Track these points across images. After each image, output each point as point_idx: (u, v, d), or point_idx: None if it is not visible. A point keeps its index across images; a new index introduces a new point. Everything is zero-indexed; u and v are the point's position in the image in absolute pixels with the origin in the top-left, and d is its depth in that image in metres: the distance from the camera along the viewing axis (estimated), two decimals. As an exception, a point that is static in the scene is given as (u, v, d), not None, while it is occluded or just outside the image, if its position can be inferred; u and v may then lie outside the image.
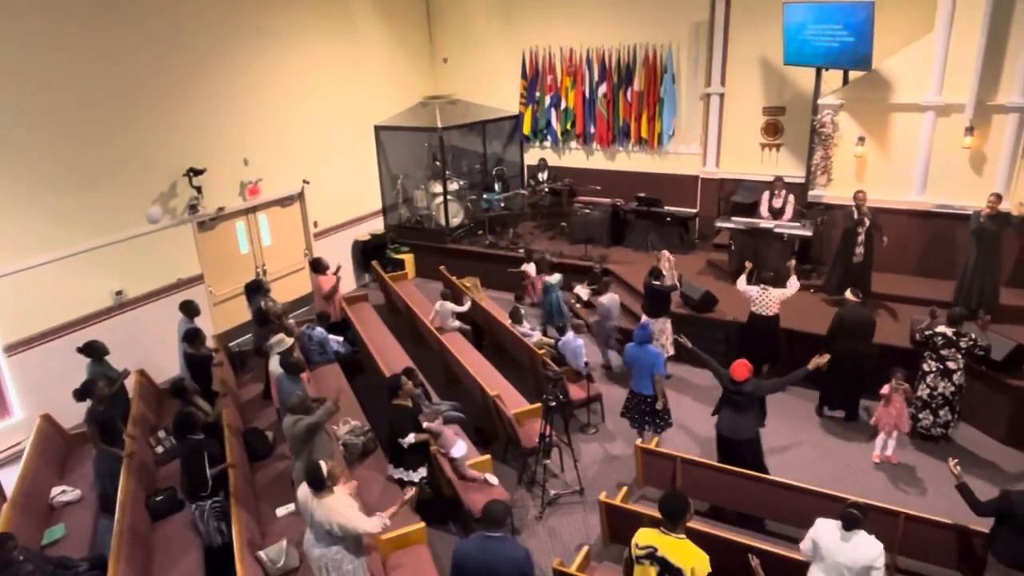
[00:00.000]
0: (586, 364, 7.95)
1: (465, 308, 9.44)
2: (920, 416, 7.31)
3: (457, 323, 9.40)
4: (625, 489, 6.28)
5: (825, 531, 4.56)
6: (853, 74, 9.61)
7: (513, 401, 7.60)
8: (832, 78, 9.86)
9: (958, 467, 5.32)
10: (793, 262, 8.60)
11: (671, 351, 8.60)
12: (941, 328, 7.07)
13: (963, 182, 9.09)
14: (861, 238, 8.74)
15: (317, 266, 9.37)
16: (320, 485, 4.65)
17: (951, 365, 7.03)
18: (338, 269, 9.36)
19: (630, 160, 12.59)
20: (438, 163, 12.43)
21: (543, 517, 6.60)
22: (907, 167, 9.42)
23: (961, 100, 8.86)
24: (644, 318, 8.67)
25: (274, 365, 7.01)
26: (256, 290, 8.59)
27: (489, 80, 13.30)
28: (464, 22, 13.31)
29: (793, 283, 7.98)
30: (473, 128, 12.98)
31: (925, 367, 7.21)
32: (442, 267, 11.15)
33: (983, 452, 7.32)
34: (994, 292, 8.27)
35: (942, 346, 7.03)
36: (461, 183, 12.92)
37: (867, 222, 8.64)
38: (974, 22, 8.53)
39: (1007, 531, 4.95)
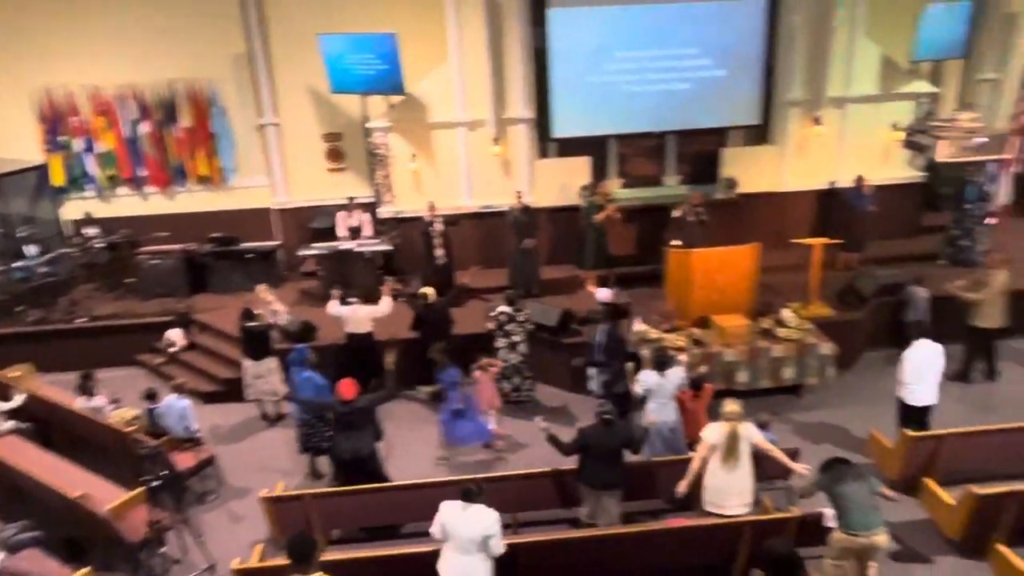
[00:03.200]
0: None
1: (17, 404, 7.70)
2: (502, 385, 8.42)
3: (10, 424, 7.62)
4: (260, 547, 5.88)
5: (448, 511, 4.96)
6: (394, 98, 10.52)
7: (107, 495, 6.46)
8: (378, 102, 10.66)
9: (544, 422, 6.28)
10: (387, 284, 8.98)
11: (284, 390, 8.38)
12: (501, 308, 8.26)
13: (498, 184, 10.69)
14: (438, 241, 9.71)
15: None
16: None
17: (516, 338, 8.30)
18: None
19: (195, 200, 11.76)
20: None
21: (173, 613, 5.81)
22: (454, 176, 10.71)
23: (483, 116, 10.40)
24: (246, 362, 8.26)
25: None
26: None
27: (-7, 128, 11.03)
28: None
29: (386, 302, 8.45)
30: (-18, 187, 10.61)
31: (496, 344, 8.37)
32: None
33: (559, 403, 8.78)
34: (536, 271, 10.03)
35: (506, 323, 8.23)
36: (-21, 254, 10.46)
37: (440, 228, 9.66)
38: (479, 51, 10.08)
39: (588, 461, 6.01)
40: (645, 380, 6.79)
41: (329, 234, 10.57)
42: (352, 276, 9.83)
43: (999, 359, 8.65)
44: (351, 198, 10.54)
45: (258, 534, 6.51)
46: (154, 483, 5.75)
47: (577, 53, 10.38)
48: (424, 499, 5.99)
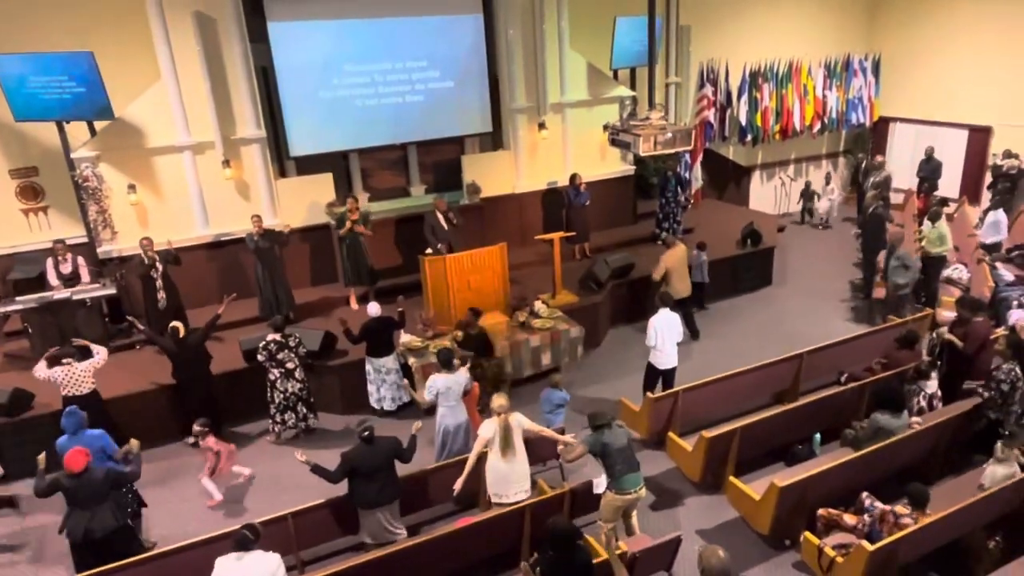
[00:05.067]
0: None
1: None
2: (285, 418, 8.03)
3: None
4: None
5: (224, 569, 4.55)
6: (100, 124, 9.36)
7: None
8: (80, 130, 9.41)
9: (303, 455, 6.02)
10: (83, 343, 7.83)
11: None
12: (271, 336, 7.80)
13: (236, 209, 9.98)
14: (159, 283, 8.87)
15: None
16: None
17: (290, 366, 7.88)
18: None
19: None
20: None
21: None
22: (185, 205, 9.79)
23: (210, 138, 9.63)
24: None
25: None
26: None
27: None
28: None
29: (98, 349, 7.46)
30: None
31: (271, 376, 7.90)
32: None
33: (333, 427, 8.49)
34: (288, 296, 9.58)
35: (277, 352, 7.78)
36: None
37: (160, 267, 8.80)
38: (194, 68, 9.32)
39: (359, 481, 5.91)
40: (434, 384, 6.81)
41: (37, 284, 9.11)
42: (71, 327, 8.55)
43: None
44: (59, 240, 9.17)
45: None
46: None
47: (305, 68, 10.11)
48: (187, 565, 5.44)
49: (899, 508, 5.39)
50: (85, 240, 9.60)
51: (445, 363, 6.89)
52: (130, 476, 6.02)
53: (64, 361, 7.24)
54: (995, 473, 5.84)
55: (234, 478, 7.39)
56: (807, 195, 15.17)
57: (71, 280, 8.97)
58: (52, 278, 8.95)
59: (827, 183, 15.30)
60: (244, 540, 4.70)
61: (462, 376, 6.95)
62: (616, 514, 5.79)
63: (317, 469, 5.90)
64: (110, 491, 5.72)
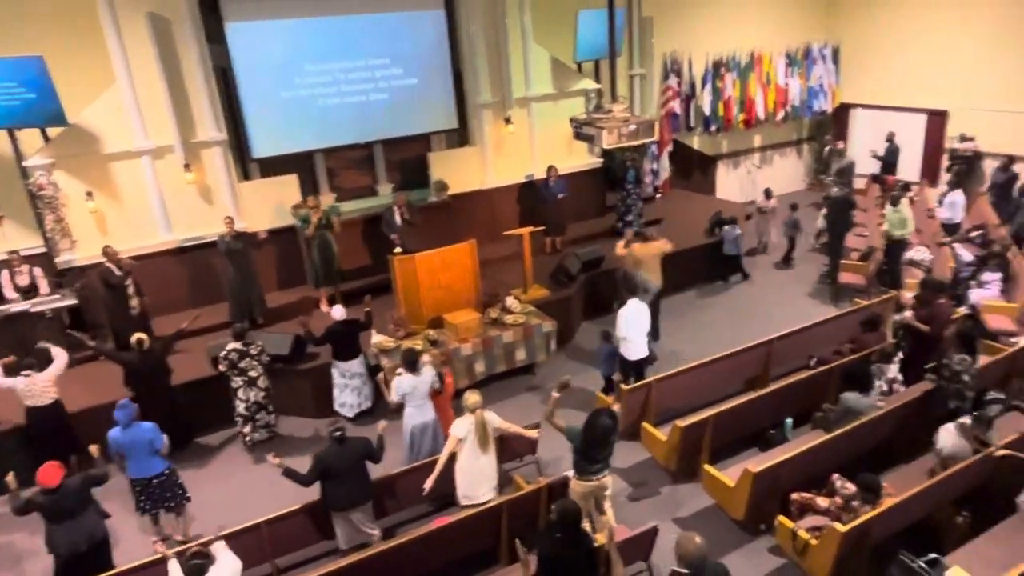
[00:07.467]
0: None
1: None
2: (246, 430, 7.88)
3: None
4: None
5: None
6: (54, 131, 9.11)
7: None
8: (33, 137, 9.14)
9: (277, 458, 5.93)
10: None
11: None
12: (231, 345, 7.65)
13: (201, 213, 9.80)
14: (132, 290, 8.70)
15: None
16: None
17: (252, 374, 7.76)
18: None
19: None
20: None
21: None
22: (146, 211, 9.57)
23: (169, 141, 9.43)
24: None
25: None
26: None
27: None
28: None
29: (57, 353, 7.29)
30: None
31: (233, 384, 7.75)
32: None
33: (303, 432, 8.38)
34: (261, 299, 9.46)
35: (238, 360, 7.65)
36: None
37: (131, 274, 8.64)
38: (150, 71, 9.11)
39: (331, 485, 5.84)
40: (400, 385, 6.76)
41: (-9, 298, 8.86)
42: (33, 342, 8.31)
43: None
44: (13, 252, 8.90)
45: None
46: None
47: (265, 69, 9.94)
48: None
49: (857, 505, 5.41)
50: (44, 250, 9.34)
51: (410, 364, 6.84)
52: (102, 477, 5.89)
53: (24, 373, 7.06)
54: (947, 440, 5.89)
55: None
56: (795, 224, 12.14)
57: (29, 292, 8.74)
58: (8, 291, 8.70)
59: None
60: (198, 569, 4.57)
61: (427, 375, 6.90)
62: (585, 502, 5.76)
63: (289, 472, 5.82)
64: (90, 496, 5.62)
